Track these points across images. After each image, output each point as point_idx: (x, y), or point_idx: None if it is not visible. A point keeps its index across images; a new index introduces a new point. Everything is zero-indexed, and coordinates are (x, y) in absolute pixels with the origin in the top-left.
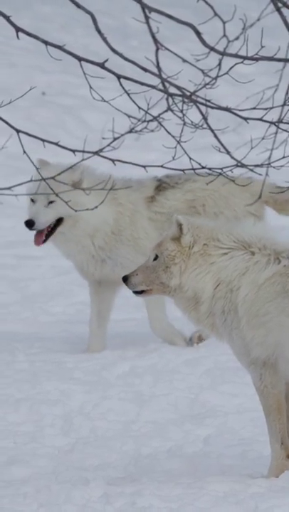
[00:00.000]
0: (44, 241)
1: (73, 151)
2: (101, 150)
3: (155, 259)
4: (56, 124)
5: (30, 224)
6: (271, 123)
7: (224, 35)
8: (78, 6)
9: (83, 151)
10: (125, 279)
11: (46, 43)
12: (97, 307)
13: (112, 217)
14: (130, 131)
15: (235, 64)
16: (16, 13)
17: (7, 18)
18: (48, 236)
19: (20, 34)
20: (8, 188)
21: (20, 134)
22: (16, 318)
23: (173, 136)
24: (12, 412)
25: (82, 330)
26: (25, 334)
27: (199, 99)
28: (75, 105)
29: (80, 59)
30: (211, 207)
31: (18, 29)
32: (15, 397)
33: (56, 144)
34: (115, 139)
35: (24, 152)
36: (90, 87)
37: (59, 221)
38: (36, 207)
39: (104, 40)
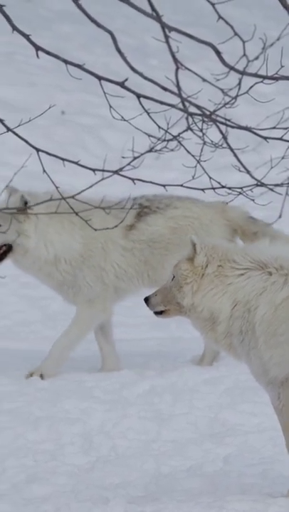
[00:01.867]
0: None
1: (93, 170)
2: (121, 169)
3: (173, 279)
4: (76, 143)
5: None
6: None
7: (244, 55)
8: (98, 25)
9: (103, 170)
10: (146, 300)
11: (66, 62)
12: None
13: (81, 242)
14: (150, 151)
15: (255, 83)
16: (36, 32)
17: (27, 37)
18: None
19: (40, 53)
20: (28, 208)
21: (40, 153)
22: (37, 337)
23: (193, 156)
24: (32, 430)
25: None
26: (46, 353)
27: (219, 119)
28: (95, 124)
29: (99, 78)
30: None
31: (37, 48)
32: (35, 416)
33: (76, 163)
34: (135, 158)
35: (44, 171)
36: (110, 106)
37: (11, 248)
38: None
39: (124, 59)
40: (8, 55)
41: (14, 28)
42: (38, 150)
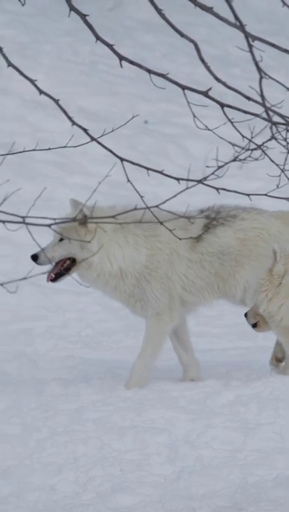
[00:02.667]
0: (54, 279)
1: (178, 179)
2: (205, 178)
3: None
4: (158, 153)
5: (34, 258)
6: None
7: None
8: (182, 34)
9: (187, 180)
10: (245, 315)
11: (150, 71)
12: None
13: (147, 254)
14: (234, 160)
15: None
16: (118, 42)
17: (110, 46)
18: (59, 275)
19: (124, 63)
20: (113, 217)
21: (124, 162)
22: (120, 346)
23: (277, 165)
24: (117, 439)
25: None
26: (129, 362)
27: None
28: (178, 134)
29: (183, 87)
30: (262, 248)
31: (121, 58)
32: (119, 425)
33: (161, 172)
34: (219, 167)
35: (128, 180)
36: (194, 116)
37: (75, 261)
38: (49, 243)
39: (208, 68)
40: (91, 65)
41: (98, 37)
42: (122, 159)
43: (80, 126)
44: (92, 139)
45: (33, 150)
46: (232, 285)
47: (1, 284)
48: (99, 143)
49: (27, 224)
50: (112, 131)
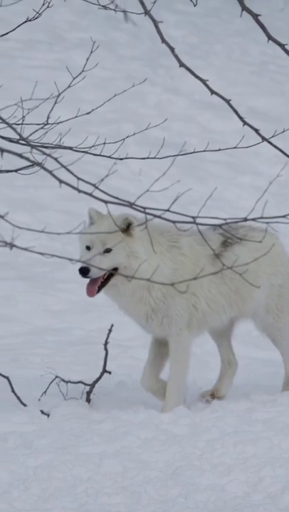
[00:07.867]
0: (97, 291)
1: None
2: None
3: None
4: None
5: (84, 271)
6: None
7: None
8: None
9: None
10: None
11: None
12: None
13: (172, 268)
14: None
15: None
16: None
17: (282, 46)
18: (101, 287)
19: None
20: (284, 217)
21: None
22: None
23: None
24: (287, 440)
25: None
26: None
27: None
28: None
29: None
30: (269, 266)
31: None
32: (287, 423)
33: None
34: None
35: None
36: None
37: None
38: (91, 254)
39: None
40: (261, 66)
41: (269, 37)
42: None
43: (251, 127)
44: (264, 139)
45: (204, 151)
46: (249, 304)
47: (172, 284)
48: (270, 143)
49: (197, 224)
50: (283, 131)
